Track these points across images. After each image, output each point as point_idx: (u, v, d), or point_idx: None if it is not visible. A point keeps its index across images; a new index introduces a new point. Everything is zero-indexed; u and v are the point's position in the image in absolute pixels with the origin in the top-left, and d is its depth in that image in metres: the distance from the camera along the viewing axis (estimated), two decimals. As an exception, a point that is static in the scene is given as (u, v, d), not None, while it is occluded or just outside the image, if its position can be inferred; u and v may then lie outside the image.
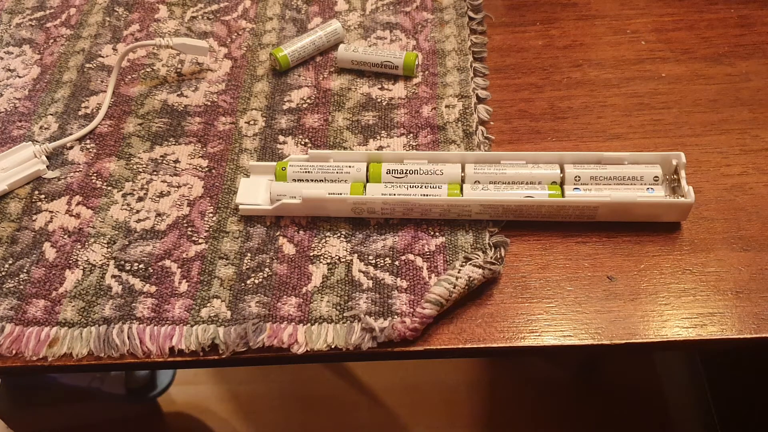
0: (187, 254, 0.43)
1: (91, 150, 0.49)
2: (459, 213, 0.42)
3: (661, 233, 0.42)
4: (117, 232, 0.44)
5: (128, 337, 0.39)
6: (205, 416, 1.04)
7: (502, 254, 0.41)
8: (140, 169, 0.48)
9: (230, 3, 0.59)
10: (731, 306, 0.39)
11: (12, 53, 0.57)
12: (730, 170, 0.45)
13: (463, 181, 0.43)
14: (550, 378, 1.03)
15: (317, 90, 0.51)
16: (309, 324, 0.39)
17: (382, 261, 0.42)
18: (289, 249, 0.43)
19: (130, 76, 0.54)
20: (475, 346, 0.38)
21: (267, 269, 0.42)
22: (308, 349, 0.38)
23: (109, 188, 0.47)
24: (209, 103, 0.51)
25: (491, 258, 0.40)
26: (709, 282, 0.40)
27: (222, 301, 0.41)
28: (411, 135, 0.48)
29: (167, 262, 0.43)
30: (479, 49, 0.52)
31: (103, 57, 0.56)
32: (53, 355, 0.39)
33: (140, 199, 0.46)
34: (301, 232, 0.43)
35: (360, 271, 0.41)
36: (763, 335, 0.38)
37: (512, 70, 0.52)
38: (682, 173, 0.41)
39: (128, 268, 0.43)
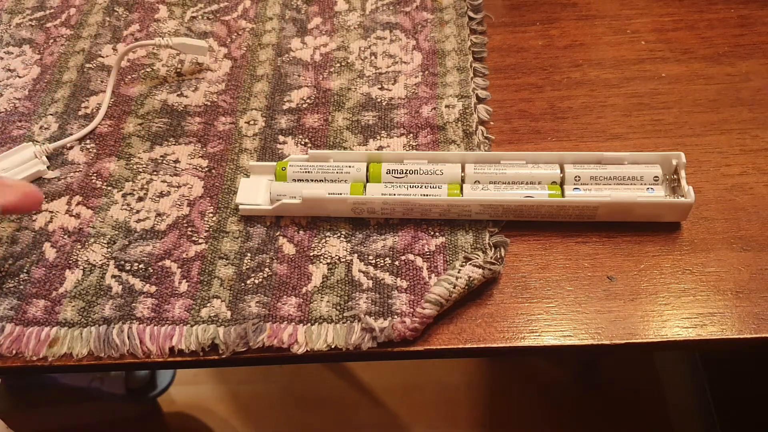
0: (187, 254, 0.43)
1: (91, 150, 0.49)
2: (459, 213, 0.42)
3: (661, 233, 0.42)
4: (117, 232, 0.44)
5: (128, 337, 0.39)
6: (205, 416, 1.04)
7: (502, 254, 0.41)
8: (140, 169, 0.48)
9: (230, 3, 0.59)
10: (731, 306, 0.39)
11: (12, 53, 0.57)
12: (730, 170, 0.45)
13: (463, 181, 0.43)
14: (550, 378, 1.03)
15: (317, 90, 0.51)
16: (309, 324, 0.39)
17: (382, 261, 0.42)
18: (289, 249, 0.43)
19: (129, 76, 0.54)
20: (475, 346, 0.38)
21: (267, 269, 0.42)
22: (308, 349, 0.38)
23: (109, 188, 0.47)
24: (209, 103, 0.51)
25: (491, 258, 0.40)
26: (709, 282, 0.40)
27: (222, 301, 0.41)
28: (411, 135, 0.48)
29: (167, 262, 0.43)
30: (479, 49, 0.52)
31: (103, 57, 0.56)
32: (53, 355, 0.39)
33: (140, 199, 0.46)
34: (301, 232, 0.43)
35: (360, 271, 0.41)
36: (763, 335, 0.38)
37: (512, 70, 0.52)
38: (682, 173, 0.41)
39: (128, 268, 0.43)
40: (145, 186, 0.47)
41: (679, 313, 0.39)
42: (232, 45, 0.55)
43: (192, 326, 0.40)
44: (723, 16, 0.54)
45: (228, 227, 0.44)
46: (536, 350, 0.38)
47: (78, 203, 0.46)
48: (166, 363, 0.39)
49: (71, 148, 0.49)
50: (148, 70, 0.54)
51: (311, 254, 0.42)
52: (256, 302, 0.40)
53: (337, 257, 0.42)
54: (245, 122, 0.50)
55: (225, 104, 0.51)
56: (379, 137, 0.48)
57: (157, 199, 0.46)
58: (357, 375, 1.05)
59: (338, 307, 0.40)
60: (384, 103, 0.50)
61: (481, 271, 0.39)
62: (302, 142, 0.48)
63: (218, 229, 0.44)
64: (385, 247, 0.42)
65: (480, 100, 0.49)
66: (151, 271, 0.42)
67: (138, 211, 0.45)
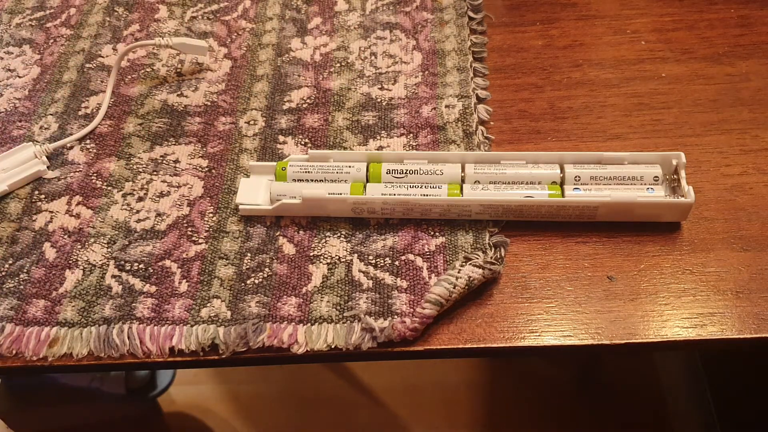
0: (187, 254, 0.43)
1: (91, 150, 0.49)
2: (459, 213, 0.42)
3: (661, 233, 0.42)
4: (117, 232, 0.44)
5: (128, 337, 0.39)
6: (205, 416, 1.04)
7: (502, 254, 0.41)
8: (140, 169, 0.48)
9: (230, 3, 0.59)
10: (731, 306, 0.39)
11: (12, 53, 0.57)
12: (730, 170, 0.45)
13: (463, 181, 0.43)
14: (550, 378, 1.03)
15: (317, 90, 0.51)
16: (309, 324, 0.39)
17: (382, 261, 0.42)
18: (289, 249, 0.43)
19: (130, 76, 0.54)
20: (475, 346, 0.38)
21: (267, 269, 0.42)
22: (308, 349, 0.38)
23: (109, 188, 0.47)
24: (209, 103, 0.51)
25: (491, 258, 0.40)
26: (709, 282, 0.40)
27: (222, 301, 0.41)
28: (411, 135, 0.48)
29: (167, 262, 0.43)
30: (479, 49, 0.52)
31: (103, 57, 0.56)
32: (53, 355, 0.39)
33: (140, 199, 0.46)
34: (301, 232, 0.43)
35: (360, 271, 0.41)
36: (763, 335, 0.38)
37: (512, 70, 0.52)
38: (682, 173, 0.41)
39: (128, 268, 0.43)
40: (145, 186, 0.47)
41: (679, 313, 0.39)
42: (232, 45, 0.55)
43: (192, 326, 0.40)
44: (723, 16, 0.54)
45: (228, 227, 0.44)
46: (536, 350, 0.38)
47: (78, 203, 0.46)
48: (166, 363, 0.39)
49: (71, 148, 0.49)
50: (148, 70, 0.54)
51: (311, 254, 0.42)
52: (256, 302, 0.40)
53: (337, 257, 0.42)
54: (245, 122, 0.50)
55: (225, 104, 0.51)
56: (379, 137, 0.48)
57: (157, 199, 0.46)
58: (357, 375, 1.05)
59: (338, 307, 0.40)
60: (384, 103, 0.50)
61: (481, 271, 0.39)
62: (302, 142, 0.48)
63: (218, 229, 0.44)
64: (385, 247, 0.42)
65: (480, 100, 0.49)
66: (151, 271, 0.42)
67: (138, 211, 0.45)
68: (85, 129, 0.50)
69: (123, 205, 0.46)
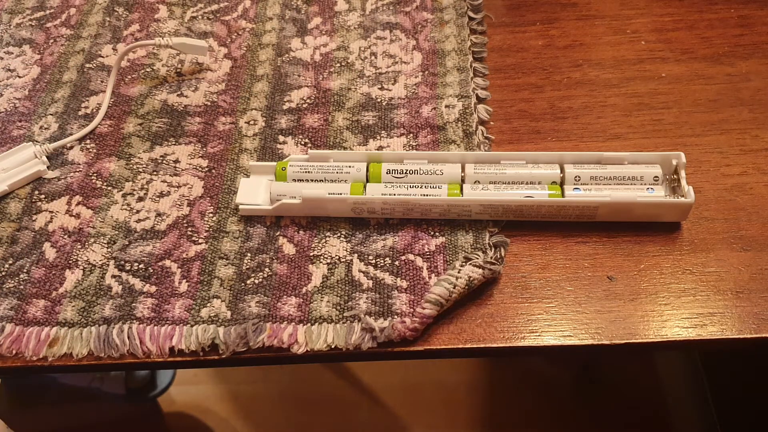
0: (187, 254, 0.43)
1: (91, 150, 0.49)
2: (459, 213, 0.42)
3: (661, 233, 0.42)
4: (117, 232, 0.44)
5: (128, 337, 0.39)
6: (205, 416, 1.04)
7: (502, 254, 0.41)
8: (140, 169, 0.48)
9: (230, 3, 0.59)
10: (731, 306, 0.39)
11: (12, 53, 0.57)
12: (730, 170, 0.45)
13: (463, 181, 0.43)
14: (550, 378, 1.03)
15: (317, 90, 0.51)
16: (309, 324, 0.39)
17: (382, 261, 0.42)
18: (289, 249, 0.43)
19: (130, 76, 0.54)
20: (475, 346, 0.38)
21: (267, 269, 0.42)
22: (308, 349, 0.38)
23: (109, 188, 0.47)
24: (209, 103, 0.51)
25: (491, 258, 0.40)
26: (709, 282, 0.40)
27: (222, 301, 0.41)
28: (411, 135, 0.48)
29: (167, 262, 0.43)
30: (479, 49, 0.52)
31: (103, 57, 0.56)
32: (53, 355, 0.39)
33: (140, 199, 0.46)
34: (301, 232, 0.43)
35: (360, 271, 0.41)
36: (763, 335, 0.38)
37: (512, 70, 0.52)
38: (682, 173, 0.41)
39: (128, 268, 0.43)
40: (145, 186, 0.47)
41: (679, 313, 0.39)
42: (232, 45, 0.55)
43: (192, 326, 0.40)
44: (723, 16, 0.54)
45: (228, 227, 0.44)
46: (536, 350, 0.38)
47: (78, 203, 0.46)
48: (166, 363, 0.39)
49: (71, 148, 0.49)
50: (148, 70, 0.54)
51: (311, 254, 0.42)
52: (256, 302, 0.40)
53: (337, 257, 0.42)
54: (245, 122, 0.50)
55: (225, 104, 0.51)
56: (379, 137, 0.48)
57: (157, 199, 0.46)
58: (357, 375, 1.05)
59: (338, 307, 0.40)
60: (384, 103, 0.50)
61: (481, 271, 0.39)
62: (302, 142, 0.48)
63: (218, 229, 0.44)
64: (385, 247, 0.42)
65: (480, 100, 0.49)
66: (151, 271, 0.42)
67: (138, 211, 0.45)
68: (85, 129, 0.50)
69: (123, 205, 0.46)
